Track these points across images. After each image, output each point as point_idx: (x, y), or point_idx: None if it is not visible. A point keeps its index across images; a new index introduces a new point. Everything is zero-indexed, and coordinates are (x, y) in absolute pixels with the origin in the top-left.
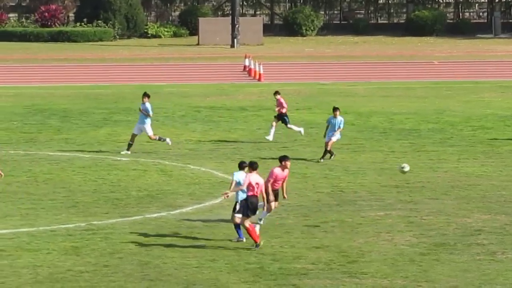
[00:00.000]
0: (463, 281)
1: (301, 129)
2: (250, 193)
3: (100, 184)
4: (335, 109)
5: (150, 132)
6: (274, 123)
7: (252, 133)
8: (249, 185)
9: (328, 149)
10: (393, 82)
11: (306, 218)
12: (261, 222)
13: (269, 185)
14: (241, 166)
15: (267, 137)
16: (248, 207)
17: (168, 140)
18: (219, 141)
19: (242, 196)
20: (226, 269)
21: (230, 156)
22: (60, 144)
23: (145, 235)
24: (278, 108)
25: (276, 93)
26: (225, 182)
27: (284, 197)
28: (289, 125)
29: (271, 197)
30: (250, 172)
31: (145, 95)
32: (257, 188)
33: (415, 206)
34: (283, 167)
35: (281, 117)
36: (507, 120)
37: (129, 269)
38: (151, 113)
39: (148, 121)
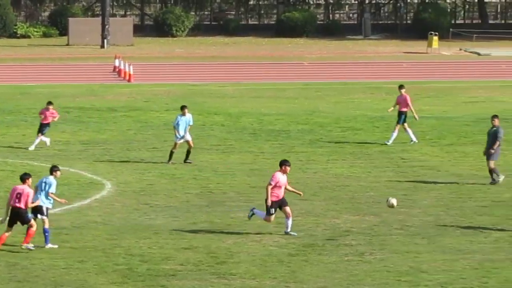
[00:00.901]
0: (331, 281)
1: (413, 138)
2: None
3: None
4: (182, 107)
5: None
6: (397, 128)
7: (122, 134)
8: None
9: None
10: (263, 83)
11: (175, 219)
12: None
13: (269, 188)
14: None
15: (387, 142)
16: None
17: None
18: (88, 141)
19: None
20: (95, 270)
21: (100, 157)
22: None
23: (13, 236)
24: (399, 105)
25: (401, 87)
26: (94, 183)
27: (300, 194)
28: (405, 125)
29: (269, 201)
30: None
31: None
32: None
33: None
34: (283, 172)
35: (400, 115)
36: (376, 122)
37: None
38: None
39: None
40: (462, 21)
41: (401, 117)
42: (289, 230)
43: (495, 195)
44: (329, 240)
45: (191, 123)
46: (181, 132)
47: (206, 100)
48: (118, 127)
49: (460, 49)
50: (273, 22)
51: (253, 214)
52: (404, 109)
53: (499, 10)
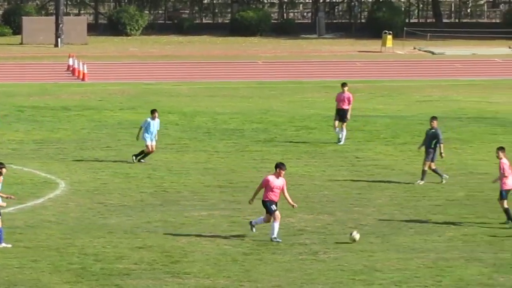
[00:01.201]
0: (285, 280)
1: (342, 139)
2: None
3: None
4: (153, 111)
5: None
6: None
7: (75, 133)
8: None
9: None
10: (217, 82)
11: (129, 218)
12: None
13: (257, 188)
14: None
15: (339, 142)
16: None
17: None
18: (42, 141)
19: None
20: (48, 270)
21: (53, 156)
22: None
23: None
24: (339, 102)
25: (344, 85)
26: (48, 182)
27: (293, 206)
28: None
29: (254, 199)
30: None
31: None
32: None
33: (238, 206)
34: (277, 175)
35: (339, 112)
36: (330, 120)
37: None
38: None
39: None
40: (416, 20)
41: (340, 114)
42: (275, 235)
43: (449, 194)
44: (284, 239)
45: (158, 128)
46: (154, 135)
47: (161, 99)
48: (72, 126)
49: (414, 48)
50: (227, 21)
51: (253, 226)
52: (345, 107)
53: (453, 9)
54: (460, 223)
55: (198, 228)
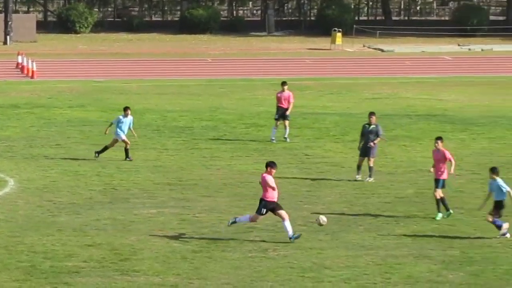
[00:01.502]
0: (235, 278)
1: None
2: None
3: None
4: (125, 108)
5: None
6: None
7: (24, 131)
8: None
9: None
10: (167, 80)
11: (78, 216)
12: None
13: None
14: None
15: (286, 139)
16: None
17: None
18: None
19: None
20: None
21: (2, 153)
22: None
23: None
24: (280, 101)
25: (284, 83)
26: None
27: None
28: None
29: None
30: None
31: None
32: None
33: (188, 203)
34: (269, 173)
35: (279, 110)
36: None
37: None
38: None
39: None
40: (366, 18)
41: (281, 112)
42: (290, 233)
43: (398, 191)
44: (233, 236)
45: (132, 125)
46: (125, 132)
47: (110, 96)
48: (21, 124)
49: (364, 46)
50: (177, 19)
51: (234, 222)
52: (286, 106)
53: (402, 7)
54: (409, 220)
55: (147, 226)
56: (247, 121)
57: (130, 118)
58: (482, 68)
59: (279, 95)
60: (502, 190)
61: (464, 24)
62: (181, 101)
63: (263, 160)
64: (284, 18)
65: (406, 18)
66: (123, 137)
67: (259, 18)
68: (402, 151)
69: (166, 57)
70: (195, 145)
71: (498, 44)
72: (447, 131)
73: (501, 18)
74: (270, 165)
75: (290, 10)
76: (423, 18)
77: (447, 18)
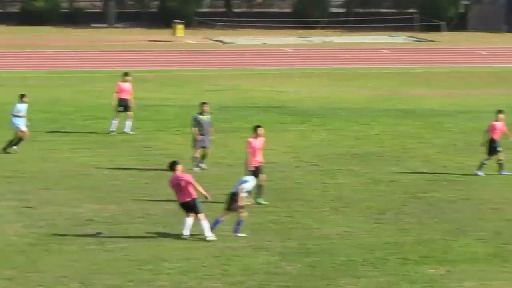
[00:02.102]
0: (72, 270)
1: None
2: None
3: None
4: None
5: None
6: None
7: None
8: None
9: None
10: (5, 72)
11: None
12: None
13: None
14: None
15: (129, 131)
16: None
17: None
18: None
19: None
20: None
21: None
22: None
23: None
24: (122, 92)
25: (126, 74)
26: None
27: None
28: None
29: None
30: None
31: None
32: None
33: (26, 196)
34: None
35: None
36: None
37: None
38: None
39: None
40: (207, 10)
41: (124, 104)
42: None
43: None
44: (71, 229)
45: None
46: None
47: None
48: None
49: (205, 38)
50: (17, 11)
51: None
52: (127, 97)
53: None
54: (247, 211)
55: None
56: (86, 113)
57: (26, 105)
58: (322, 60)
59: (121, 86)
60: None
61: (305, 16)
62: (19, 93)
63: (102, 152)
64: (125, 10)
65: (248, 10)
66: (23, 128)
67: (100, 10)
68: (243, 143)
69: (5, 49)
70: (34, 137)
71: (338, 36)
72: (287, 122)
73: (341, 10)
74: (173, 165)
75: (131, 2)
76: (265, 10)
77: (288, 10)
